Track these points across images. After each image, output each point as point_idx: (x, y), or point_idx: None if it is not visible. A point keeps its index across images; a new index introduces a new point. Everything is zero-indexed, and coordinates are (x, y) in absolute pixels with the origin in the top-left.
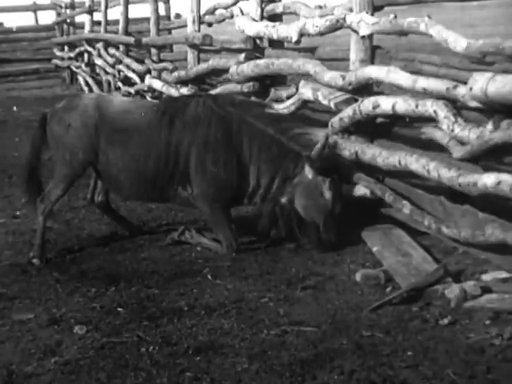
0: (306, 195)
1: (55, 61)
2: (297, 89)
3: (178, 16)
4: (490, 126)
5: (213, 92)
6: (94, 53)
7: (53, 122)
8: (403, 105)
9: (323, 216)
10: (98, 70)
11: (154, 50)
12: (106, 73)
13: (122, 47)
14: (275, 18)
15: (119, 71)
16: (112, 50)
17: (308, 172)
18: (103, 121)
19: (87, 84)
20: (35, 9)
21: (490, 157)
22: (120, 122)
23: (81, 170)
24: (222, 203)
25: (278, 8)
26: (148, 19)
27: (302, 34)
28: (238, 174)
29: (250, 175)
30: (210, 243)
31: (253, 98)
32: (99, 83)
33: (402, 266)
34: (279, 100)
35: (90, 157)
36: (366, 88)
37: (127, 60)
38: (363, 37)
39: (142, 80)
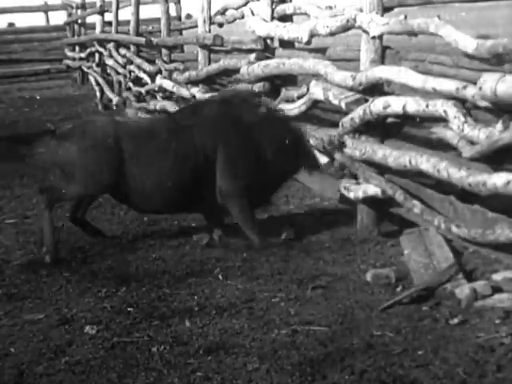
0: None
1: (66, 61)
2: (307, 89)
3: (188, 16)
4: (499, 125)
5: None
6: (105, 53)
7: (66, 145)
8: (413, 105)
9: None
10: (108, 71)
11: (164, 51)
12: (117, 73)
13: (132, 48)
14: (286, 18)
15: (130, 71)
16: (123, 51)
17: None
18: (124, 142)
19: (98, 84)
20: (46, 9)
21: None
22: (141, 140)
23: (101, 192)
24: (248, 199)
25: (289, 9)
26: (159, 20)
27: (312, 35)
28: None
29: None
30: (239, 243)
31: (263, 99)
32: (110, 83)
33: (422, 266)
34: (290, 100)
35: (113, 179)
36: (377, 88)
37: (138, 60)
38: (373, 37)
39: (153, 80)
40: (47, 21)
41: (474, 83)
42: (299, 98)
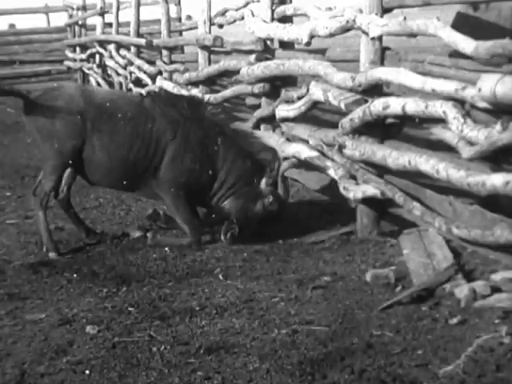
0: (245, 199)
1: (67, 62)
2: (307, 90)
3: (188, 18)
4: (498, 126)
5: (224, 92)
6: (106, 54)
7: (36, 111)
8: (413, 106)
9: (247, 219)
10: (109, 72)
11: (165, 52)
12: (118, 74)
13: (133, 49)
14: (286, 19)
15: (131, 72)
16: (123, 52)
17: (263, 184)
18: (89, 109)
19: (99, 85)
20: (47, 11)
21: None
22: (105, 111)
23: (70, 159)
24: (186, 193)
25: (289, 10)
26: (159, 21)
27: (312, 36)
28: (208, 174)
29: (217, 180)
30: (171, 240)
31: (263, 99)
32: (111, 84)
33: (422, 267)
34: (290, 101)
35: (77, 145)
36: (376, 89)
37: (138, 61)
38: (373, 38)
39: (154, 81)
40: (48, 22)
41: (474, 84)
42: (299, 98)
